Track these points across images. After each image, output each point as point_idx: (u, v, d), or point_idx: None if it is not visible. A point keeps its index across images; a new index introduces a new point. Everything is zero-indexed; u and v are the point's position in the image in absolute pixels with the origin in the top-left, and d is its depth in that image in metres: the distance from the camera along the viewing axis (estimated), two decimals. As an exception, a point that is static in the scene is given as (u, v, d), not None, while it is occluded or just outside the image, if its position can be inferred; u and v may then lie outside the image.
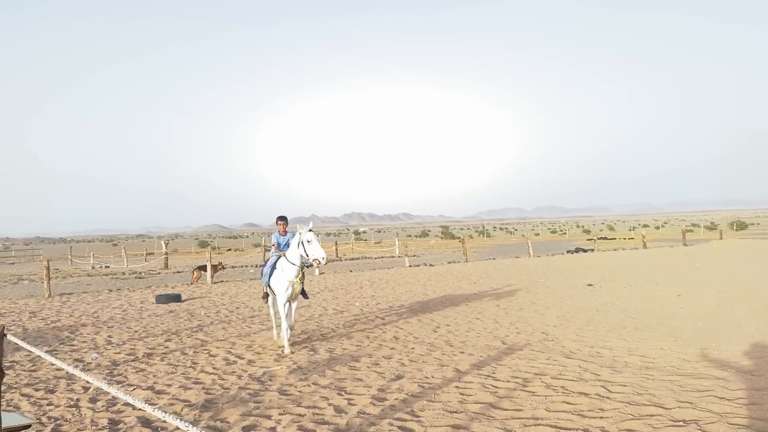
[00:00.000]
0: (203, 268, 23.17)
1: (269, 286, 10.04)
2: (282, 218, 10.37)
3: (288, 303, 9.81)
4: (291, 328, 10.03)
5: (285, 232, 10.29)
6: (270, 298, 10.61)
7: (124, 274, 30.48)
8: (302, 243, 9.36)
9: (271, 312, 10.79)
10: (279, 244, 10.17)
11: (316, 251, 9.28)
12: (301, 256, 9.45)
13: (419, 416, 6.08)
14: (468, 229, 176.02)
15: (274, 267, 9.92)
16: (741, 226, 79.69)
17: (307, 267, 9.67)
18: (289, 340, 9.72)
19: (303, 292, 10.24)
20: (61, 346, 10.37)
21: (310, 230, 9.46)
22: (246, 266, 33.73)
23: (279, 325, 10.63)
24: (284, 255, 9.74)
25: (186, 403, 6.71)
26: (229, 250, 67.03)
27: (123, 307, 15.48)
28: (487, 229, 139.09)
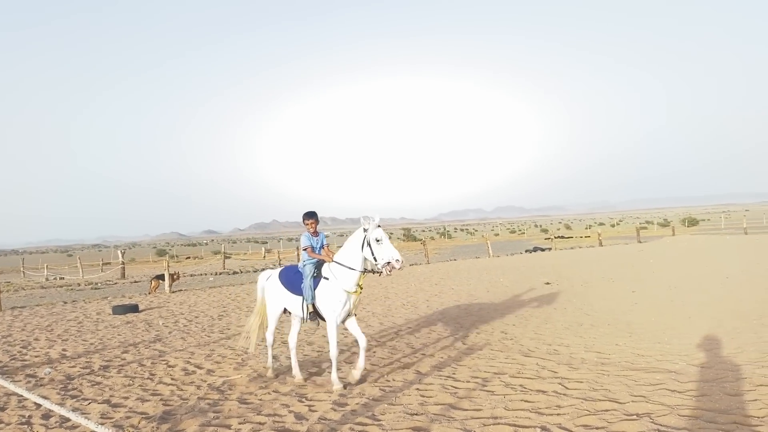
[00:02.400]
0: (161, 277, 22.78)
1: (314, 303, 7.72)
2: (311, 215, 8.03)
3: (343, 322, 7.72)
4: (364, 349, 7.67)
5: (317, 232, 8.10)
6: (271, 318, 8.45)
7: (79, 285, 29.72)
8: (369, 243, 7.29)
9: (269, 339, 8.55)
10: (313, 247, 7.97)
11: (389, 251, 7.19)
12: (365, 260, 7.42)
13: (380, 420, 6.11)
14: (429, 230, 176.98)
15: (316, 277, 7.70)
16: (692, 222, 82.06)
17: (373, 273, 7.62)
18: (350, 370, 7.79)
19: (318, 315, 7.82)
20: (13, 361, 10.05)
21: (379, 226, 7.39)
22: (205, 274, 33.27)
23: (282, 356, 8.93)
24: (332, 260, 7.63)
25: (143, 416, 6.59)
26: (188, 258, 66.01)
27: (78, 319, 15.09)
28: (448, 231, 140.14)
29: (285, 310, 8.32)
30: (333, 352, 7.52)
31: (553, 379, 7.35)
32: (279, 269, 8.54)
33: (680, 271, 20.39)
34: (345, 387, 7.42)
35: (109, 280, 31.88)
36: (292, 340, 8.33)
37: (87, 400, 7.40)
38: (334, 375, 7.53)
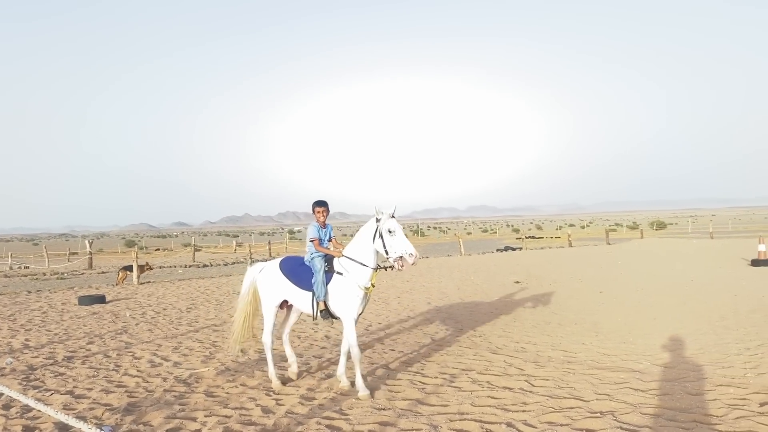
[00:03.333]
0: (129, 268, 22.48)
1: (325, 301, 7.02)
2: (322, 203, 7.38)
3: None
4: (344, 354, 7.31)
5: (325, 224, 7.46)
6: (267, 315, 7.53)
7: (45, 274, 29.16)
8: (381, 234, 6.71)
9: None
10: (320, 240, 7.27)
11: (403, 244, 6.58)
12: (377, 252, 6.84)
13: (347, 414, 6.11)
14: (403, 228, 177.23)
15: (327, 271, 7.03)
16: (660, 225, 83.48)
17: (385, 269, 7.00)
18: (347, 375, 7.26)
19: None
20: (-27, 350, 9.84)
21: (393, 216, 6.79)
22: (174, 266, 32.91)
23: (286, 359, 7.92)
24: (342, 255, 6.99)
25: (107, 407, 6.49)
26: (158, 249, 65.24)
27: (43, 309, 14.82)
28: (421, 229, 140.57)
29: (282, 305, 7.62)
30: (356, 353, 6.85)
31: (519, 376, 7.43)
32: (277, 259, 7.75)
33: (647, 273, 20.73)
34: (372, 395, 6.74)
35: (76, 270, 31.35)
36: (267, 337, 7.55)
37: (50, 390, 7.27)
38: (359, 381, 6.84)
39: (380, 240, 6.69)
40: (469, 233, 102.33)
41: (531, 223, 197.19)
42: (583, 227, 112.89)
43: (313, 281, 7.03)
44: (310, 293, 7.06)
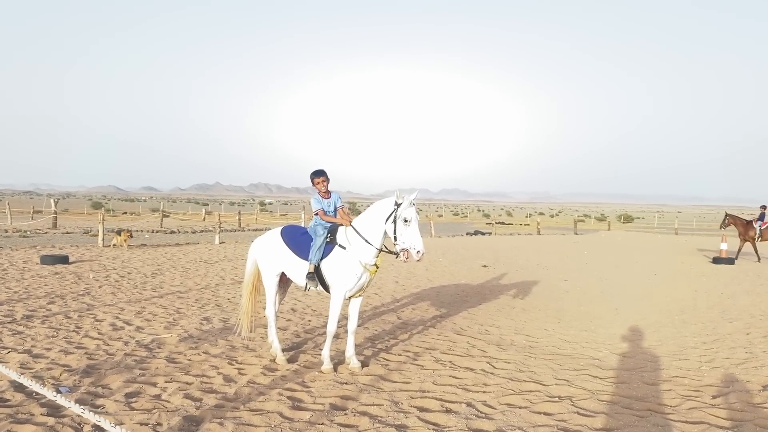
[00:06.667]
0: (130, 233, 21.73)
1: (318, 266, 6.72)
2: (320, 173, 7.03)
3: (350, 299, 6.95)
4: (352, 333, 7.03)
5: (328, 192, 7.09)
6: (269, 288, 7.33)
7: (6, 231, 28.51)
8: (395, 220, 6.38)
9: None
10: (325, 210, 6.96)
11: (413, 238, 6.27)
12: (385, 234, 6.54)
13: (309, 387, 6.13)
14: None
15: (329, 243, 6.73)
16: (628, 219, 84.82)
17: (389, 253, 6.73)
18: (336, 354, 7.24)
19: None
20: (-71, 304, 9.60)
21: (413, 205, 6.40)
22: (141, 231, 32.43)
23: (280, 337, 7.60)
24: (351, 225, 6.68)
25: (66, 368, 6.40)
26: (125, 213, 64.23)
27: (3, 267, 14.51)
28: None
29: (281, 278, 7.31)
30: (331, 327, 6.78)
31: (482, 357, 7.52)
32: (279, 228, 7.41)
33: (612, 264, 21.11)
34: (335, 369, 6.75)
35: (39, 229, 30.70)
36: (270, 310, 7.37)
37: (6, 348, 7.14)
38: (326, 351, 6.83)
39: (393, 225, 6.39)
40: (440, 215, 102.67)
41: (502, 209, 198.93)
42: (552, 216, 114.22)
43: (311, 244, 6.77)
44: (308, 263, 6.78)
